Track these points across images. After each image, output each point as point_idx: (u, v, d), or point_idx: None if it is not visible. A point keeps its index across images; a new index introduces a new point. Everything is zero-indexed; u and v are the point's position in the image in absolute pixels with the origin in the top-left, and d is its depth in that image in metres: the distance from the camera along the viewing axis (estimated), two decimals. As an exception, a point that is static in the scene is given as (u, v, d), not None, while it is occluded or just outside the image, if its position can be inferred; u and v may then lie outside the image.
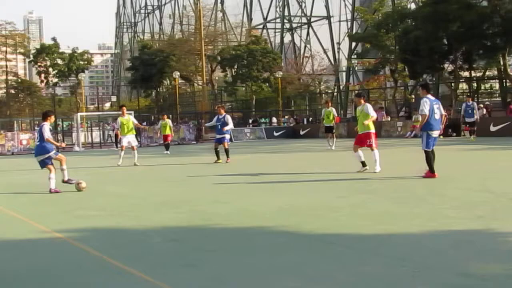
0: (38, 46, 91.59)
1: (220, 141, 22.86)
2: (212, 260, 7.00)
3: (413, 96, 56.78)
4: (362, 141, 16.51)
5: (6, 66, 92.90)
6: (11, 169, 23.80)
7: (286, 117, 58.88)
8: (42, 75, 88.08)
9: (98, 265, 7.02)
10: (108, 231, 9.21)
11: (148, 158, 27.48)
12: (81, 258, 7.40)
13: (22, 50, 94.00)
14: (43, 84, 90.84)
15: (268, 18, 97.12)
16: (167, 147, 32.06)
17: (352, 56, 74.64)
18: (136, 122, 23.66)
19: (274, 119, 59.94)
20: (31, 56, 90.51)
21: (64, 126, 56.53)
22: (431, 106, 14.16)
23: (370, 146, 16.38)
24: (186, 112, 72.14)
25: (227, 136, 23.06)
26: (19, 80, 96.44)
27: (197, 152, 31.32)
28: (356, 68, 79.31)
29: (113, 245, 8.12)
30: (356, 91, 52.85)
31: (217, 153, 22.88)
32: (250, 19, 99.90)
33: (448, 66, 50.20)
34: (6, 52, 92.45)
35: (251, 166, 20.89)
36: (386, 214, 9.63)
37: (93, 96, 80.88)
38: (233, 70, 76.01)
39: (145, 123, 49.06)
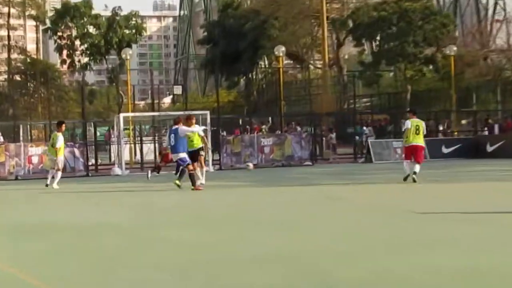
0: (58, 6, 77.31)
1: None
2: None
3: None
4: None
5: (9, 38, 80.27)
6: (16, 203, 21.76)
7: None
8: (65, 52, 73.49)
9: None
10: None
11: (229, 186, 25.54)
12: None
13: (33, 12, 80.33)
14: (65, 67, 77.01)
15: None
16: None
17: None
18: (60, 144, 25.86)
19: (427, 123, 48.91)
20: (48, 21, 75.45)
21: (99, 134, 48.18)
22: None
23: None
24: (296, 114, 60.99)
25: (181, 156, 23.54)
26: (29, 60, 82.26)
27: (310, 179, 27.77)
28: None
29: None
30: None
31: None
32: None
33: None
34: (9, 14, 79.14)
35: (398, 200, 18.37)
36: None
37: (144, 85, 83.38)
38: (374, 44, 68.82)
39: (224, 133, 43.46)
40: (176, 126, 23.22)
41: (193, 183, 22.16)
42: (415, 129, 23.24)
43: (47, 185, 24.34)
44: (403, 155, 24.12)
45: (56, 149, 24.98)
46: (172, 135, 23.10)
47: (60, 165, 25.21)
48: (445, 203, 17.27)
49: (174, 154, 23.06)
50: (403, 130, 24.51)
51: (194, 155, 24.60)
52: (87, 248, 11.55)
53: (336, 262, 9.53)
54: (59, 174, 25.09)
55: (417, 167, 22.45)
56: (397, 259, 9.59)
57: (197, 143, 24.07)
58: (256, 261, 9.78)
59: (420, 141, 23.18)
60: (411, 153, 23.02)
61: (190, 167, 22.25)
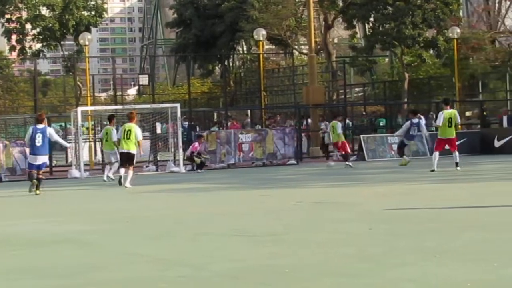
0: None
1: (40, 167, 24.22)
2: None
3: None
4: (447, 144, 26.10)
5: None
6: None
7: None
8: (14, 37, 68.57)
9: None
10: None
11: (203, 190, 24.91)
12: None
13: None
14: (14, 54, 71.79)
15: None
16: (345, 157, 33.42)
17: None
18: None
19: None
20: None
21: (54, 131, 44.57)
22: None
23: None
24: (279, 106, 62.79)
25: (47, 159, 25.65)
26: (-29, 48, 78.57)
27: (296, 180, 27.81)
28: None
29: None
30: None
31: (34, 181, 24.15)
32: None
33: None
34: None
35: (397, 204, 17.53)
36: None
37: (106, 75, 79.11)
38: (367, 26, 66.89)
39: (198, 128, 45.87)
40: (43, 126, 24.05)
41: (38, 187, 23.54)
42: (448, 122, 25.13)
43: (107, 179, 27.16)
44: (435, 145, 26.19)
45: (117, 142, 26.65)
46: (39, 134, 23.37)
47: (116, 157, 27.16)
48: (451, 205, 16.88)
49: (40, 156, 23.56)
50: (437, 123, 26.02)
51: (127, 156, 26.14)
52: (44, 266, 11.36)
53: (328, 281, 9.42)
54: (117, 165, 27.08)
55: (456, 157, 25.32)
56: (400, 272, 9.51)
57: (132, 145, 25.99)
58: (234, 278, 9.90)
59: (452, 133, 25.73)
60: (445, 144, 25.55)
61: (41, 172, 23.95)
